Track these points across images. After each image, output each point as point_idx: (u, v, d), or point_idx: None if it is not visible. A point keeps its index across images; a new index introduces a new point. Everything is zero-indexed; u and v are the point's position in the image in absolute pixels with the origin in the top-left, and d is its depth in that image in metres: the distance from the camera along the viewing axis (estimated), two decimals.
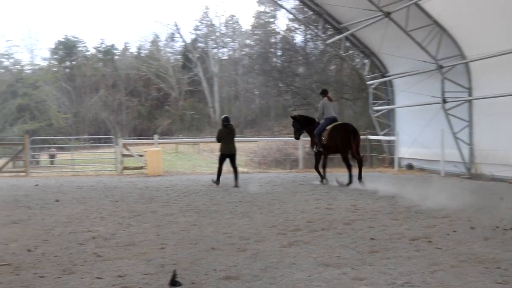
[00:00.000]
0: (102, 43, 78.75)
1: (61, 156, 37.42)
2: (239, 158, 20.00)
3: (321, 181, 18.24)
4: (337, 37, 25.69)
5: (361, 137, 26.67)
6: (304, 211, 11.70)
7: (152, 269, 6.83)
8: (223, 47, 76.96)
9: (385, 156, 26.80)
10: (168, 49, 79.10)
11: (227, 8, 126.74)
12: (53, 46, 74.42)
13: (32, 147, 28.00)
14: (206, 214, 11.39)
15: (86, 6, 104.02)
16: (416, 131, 22.90)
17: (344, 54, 28.41)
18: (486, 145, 19.39)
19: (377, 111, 26.80)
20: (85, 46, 78.41)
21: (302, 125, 19.17)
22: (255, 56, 66.07)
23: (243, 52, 74.12)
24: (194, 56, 71.34)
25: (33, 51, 61.81)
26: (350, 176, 17.30)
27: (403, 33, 19.97)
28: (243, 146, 43.68)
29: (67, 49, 75.33)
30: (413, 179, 19.38)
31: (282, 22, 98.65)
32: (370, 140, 27.18)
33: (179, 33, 76.37)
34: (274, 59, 63.96)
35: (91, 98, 70.67)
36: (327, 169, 19.10)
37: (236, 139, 18.31)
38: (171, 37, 77.56)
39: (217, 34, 74.92)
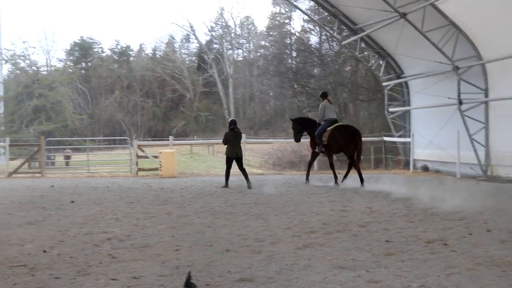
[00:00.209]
0: (117, 44, 79.28)
1: (76, 157, 37.59)
2: (254, 160, 20.06)
3: (306, 180, 19.03)
4: (353, 38, 25.63)
5: (377, 138, 26.85)
6: (319, 213, 11.66)
7: (167, 271, 6.82)
8: (238, 48, 77.18)
9: (400, 157, 26.71)
10: (183, 51, 79.44)
11: (242, 9, 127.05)
12: (69, 48, 74.99)
13: (48, 148, 28.12)
14: (221, 216, 11.37)
15: (101, 7, 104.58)
16: (431, 133, 22.78)
17: (359, 55, 28.36)
18: (503, 147, 19.27)
19: (393, 112, 26.70)
20: (100, 48, 78.96)
21: (302, 127, 19.42)
22: (270, 57, 66.11)
23: (258, 53, 74.25)
24: (209, 57, 71.48)
25: (49, 52, 62.28)
26: (360, 176, 17.69)
27: (419, 34, 19.88)
28: (258, 147, 43.69)
29: (82, 50, 75.77)
30: (428, 181, 19.26)
31: (297, 23, 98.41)
32: (385, 141, 27.10)
33: (194, 34, 76.45)
34: (289, 60, 63.99)
35: (106, 99, 71.01)
36: (337, 170, 19.27)
37: (243, 141, 18.36)
38: (186, 39, 77.90)
39: (232, 35, 75.07)
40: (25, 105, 46.44)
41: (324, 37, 52.93)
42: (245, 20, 77.10)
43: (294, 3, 30.30)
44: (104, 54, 78.76)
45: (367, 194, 15.21)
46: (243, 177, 18.39)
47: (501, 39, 18.42)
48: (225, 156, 18.54)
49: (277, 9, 70.57)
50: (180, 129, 66.67)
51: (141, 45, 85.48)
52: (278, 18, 71.07)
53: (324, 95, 19.10)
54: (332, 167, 18.96)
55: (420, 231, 9.33)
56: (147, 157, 24.92)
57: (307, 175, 19.24)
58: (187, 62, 76.41)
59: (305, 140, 21.07)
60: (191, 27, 76.29)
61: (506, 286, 6.08)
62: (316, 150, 18.84)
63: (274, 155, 39.58)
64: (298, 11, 52.12)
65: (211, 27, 77.04)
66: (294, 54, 65.19)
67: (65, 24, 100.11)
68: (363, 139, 19.04)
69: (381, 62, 27.09)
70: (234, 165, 18.26)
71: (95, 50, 78.00)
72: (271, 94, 73.20)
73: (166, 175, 22.57)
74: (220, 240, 8.74)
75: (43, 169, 24.39)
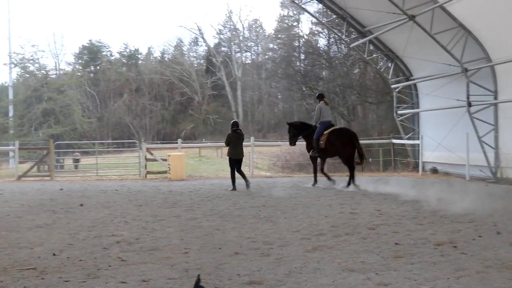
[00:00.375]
0: (126, 47, 79.44)
1: (85, 161, 37.69)
2: (262, 162, 20.11)
3: (314, 183, 18.87)
4: (361, 40, 25.59)
5: (386, 141, 26.81)
6: (328, 215, 11.65)
7: (176, 274, 6.83)
8: (247, 51, 77.21)
9: (409, 160, 26.65)
10: (191, 53, 79.54)
11: (251, 12, 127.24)
12: (77, 51, 75.17)
13: (57, 151, 28.20)
14: (230, 219, 11.38)
15: (110, 11, 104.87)
16: (440, 135, 22.71)
17: (368, 58, 28.34)
18: None
19: (401, 114, 26.63)
20: (109, 51, 79.17)
21: (298, 131, 19.56)
22: (278, 60, 66.16)
23: (266, 56, 74.28)
24: (218, 60, 71.55)
25: (58, 56, 62.44)
26: (352, 177, 18.06)
27: (427, 36, 19.84)
28: (266, 150, 43.69)
29: (91, 54, 75.99)
30: (437, 183, 19.21)
31: (305, 25, 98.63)
32: (394, 144, 27.05)
33: (202, 37, 76.55)
34: (298, 63, 64.00)
35: (115, 103, 71.17)
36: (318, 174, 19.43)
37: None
38: (195, 41, 77.99)
39: (241, 38, 75.07)
40: (34, 109, 46.65)
41: (332, 39, 53.01)
42: (253, 23, 77.21)
43: (303, 6, 30.22)
44: (112, 58, 78.99)
45: (376, 196, 15.18)
46: (242, 179, 18.44)
47: (510, 41, 18.37)
48: (228, 158, 18.62)
49: (285, 12, 70.66)
50: (189, 132, 66.75)
51: (149, 48, 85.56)
52: (286, 21, 71.10)
53: (321, 97, 19.33)
54: (315, 170, 19.24)
55: (429, 233, 9.32)
56: (155, 160, 24.94)
57: (315, 178, 19.21)
58: (196, 65, 76.51)
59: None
60: (200, 30, 76.61)
61: None
62: (310, 154, 19.05)
63: (283, 158, 39.57)
64: (306, 13, 51.95)
65: (220, 30, 77.16)
66: (303, 56, 65.25)
67: (74, 27, 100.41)
68: (371, 141, 19.07)
69: (389, 64, 27.05)
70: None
71: (104, 53, 78.21)
72: (279, 96, 73.24)
73: (174, 178, 22.59)
74: (229, 243, 8.74)
75: (52, 172, 24.44)
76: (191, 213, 12.33)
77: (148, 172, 24.49)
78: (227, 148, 18.60)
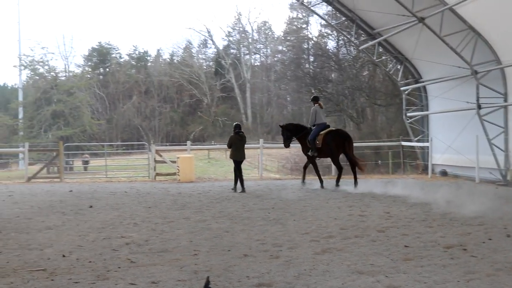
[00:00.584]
0: (135, 49, 79.70)
1: (95, 162, 37.79)
2: (271, 165, 20.16)
3: (321, 186, 19.04)
4: (370, 42, 25.54)
5: (395, 143, 26.77)
6: (337, 218, 11.64)
7: (185, 276, 6.84)
8: (256, 53, 77.26)
9: (418, 162, 26.56)
10: (200, 56, 79.72)
11: (260, 14, 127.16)
12: (87, 53, 75.37)
13: (66, 153, 28.27)
14: (239, 221, 11.39)
15: (119, 13, 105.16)
16: (450, 137, 22.64)
17: (377, 60, 28.28)
18: None
19: (411, 117, 26.57)
20: (118, 53, 79.43)
21: (291, 133, 19.96)
22: (287, 62, 66.12)
23: (275, 58, 74.29)
24: (227, 62, 71.65)
25: (67, 58, 62.78)
26: (338, 178, 18.99)
27: (437, 39, 19.79)
28: (275, 152, 43.65)
29: (100, 56, 76.19)
30: (447, 185, 19.16)
31: (314, 28, 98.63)
32: (403, 146, 26.99)
33: (211, 39, 76.71)
34: (307, 65, 63.91)
35: (124, 105, 71.35)
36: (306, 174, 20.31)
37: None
38: (204, 44, 78.16)
39: (250, 40, 75.18)
40: (43, 111, 46.79)
41: (341, 42, 52.92)
42: (262, 25, 77.33)
43: (312, 8, 30.22)
44: (122, 60, 79.25)
45: (385, 198, 15.15)
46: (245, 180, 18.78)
47: None
48: (232, 160, 18.79)
49: (294, 14, 70.64)
50: (198, 134, 66.83)
51: (158, 50, 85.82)
52: (296, 23, 71.07)
53: (315, 100, 19.86)
54: (305, 170, 20.13)
55: (439, 236, 9.30)
56: (165, 162, 24.96)
57: (304, 178, 19.97)
58: (205, 67, 76.63)
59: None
60: (209, 32, 76.66)
61: None
62: (309, 153, 19.29)
63: (292, 160, 39.53)
64: (315, 16, 51.94)
65: (229, 32, 77.34)
66: (312, 59, 65.14)
67: (84, 29, 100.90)
68: (380, 144, 19.23)
69: (399, 66, 26.98)
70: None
71: (113, 55, 78.45)
72: (288, 99, 73.23)
73: (184, 180, 22.61)
74: (238, 245, 8.75)
75: (61, 174, 24.51)
76: (200, 215, 12.35)
77: (157, 174, 24.51)
78: (229, 150, 18.83)
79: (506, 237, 9.11)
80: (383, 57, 29.22)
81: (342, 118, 52.04)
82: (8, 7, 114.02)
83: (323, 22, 51.49)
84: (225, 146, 20.30)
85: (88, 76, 63.69)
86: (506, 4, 17.88)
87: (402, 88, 27.10)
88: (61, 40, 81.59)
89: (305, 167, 20.14)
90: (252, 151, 22.72)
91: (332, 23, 32.08)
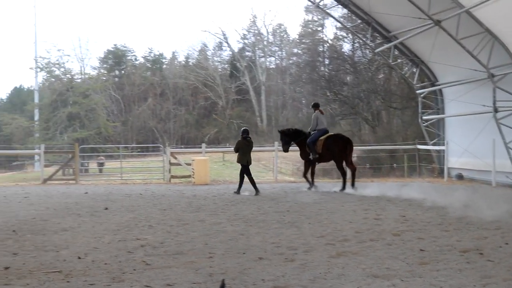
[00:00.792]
0: (150, 52, 79.78)
1: (110, 164, 37.92)
2: (286, 167, 20.18)
3: (309, 188, 19.56)
4: (386, 45, 25.47)
5: (410, 146, 26.69)
6: (352, 221, 11.61)
7: (200, 278, 6.84)
8: (271, 56, 77.14)
9: (434, 166, 26.45)
10: (215, 58, 79.67)
11: (275, 17, 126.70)
12: (102, 55, 75.58)
13: (82, 155, 28.37)
14: (254, 224, 11.38)
15: (135, 16, 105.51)
16: (466, 141, 22.53)
17: (393, 63, 28.20)
18: None
19: (427, 120, 26.47)
20: (134, 55, 79.57)
21: (290, 138, 20.18)
22: (302, 65, 65.98)
23: (290, 61, 74.13)
24: (242, 65, 71.63)
25: (83, 60, 62.72)
26: (344, 182, 18.86)
27: (453, 41, 19.70)
28: (290, 155, 43.55)
29: (116, 58, 76.41)
30: (463, 189, 19.04)
31: (330, 30, 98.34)
32: (419, 149, 26.88)
33: (226, 42, 76.62)
34: (322, 68, 63.78)
35: (140, 107, 71.51)
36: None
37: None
38: (219, 46, 78.07)
39: (265, 43, 75.10)
40: (59, 113, 46.93)
41: (357, 44, 52.75)
42: (277, 27, 77.08)
43: (327, 10, 30.16)
44: (137, 62, 79.37)
45: (401, 202, 15.10)
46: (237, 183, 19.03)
47: None
48: (240, 165, 19.00)
49: (309, 17, 70.46)
50: (213, 137, 66.83)
51: (174, 52, 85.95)
52: (311, 26, 70.89)
53: (316, 106, 20.13)
54: (312, 175, 20.05)
55: (455, 240, 9.24)
56: (179, 165, 25.02)
57: (312, 182, 19.91)
58: (220, 70, 76.61)
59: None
60: (224, 34, 76.56)
61: None
62: (310, 157, 19.45)
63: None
64: (330, 18, 51.93)
65: (244, 34, 77.16)
66: (327, 61, 64.97)
67: (99, 32, 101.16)
68: (396, 147, 19.26)
69: (414, 69, 26.89)
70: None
71: (129, 58, 78.61)
72: (303, 101, 73.00)
73: (198, 182, 22.64)
74: (253, 248, 8.74)
75: (77, 176, 24.62)
76: (215, 218, 12.35)
77: (172, 177, 24.57)
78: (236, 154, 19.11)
79: None
80: (399, 60, 29.09)
81: (357, 121, 51.89)
82: (24, 9, 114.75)
83: (339, 24, 51.54)
84: None
85: (104, 78, 63.79)
86: None
87: (418, 91, 27.00)
88: (77, 42, 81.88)
89: (305, 175, 20.15)
90: (267, 154, 22.70)
91: (348, 26, 32.14)
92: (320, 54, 66.70)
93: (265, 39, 75.55)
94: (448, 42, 20.15)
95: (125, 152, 43.13)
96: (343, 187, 18.69)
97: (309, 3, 33.68)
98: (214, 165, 27.26)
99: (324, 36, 68.92)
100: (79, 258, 8.10)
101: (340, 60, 56.42)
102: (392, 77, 47.38)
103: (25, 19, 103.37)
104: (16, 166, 44.21)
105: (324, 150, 18.96)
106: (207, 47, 79.03)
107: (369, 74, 49.46)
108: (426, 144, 26.61)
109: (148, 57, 79.60)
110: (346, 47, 58.48)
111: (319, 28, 69.95)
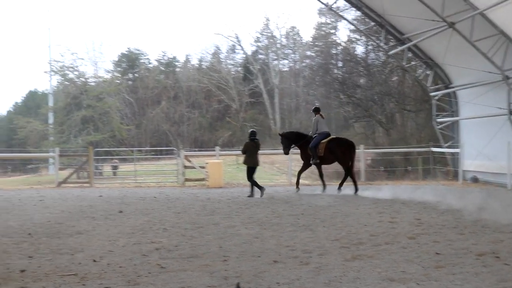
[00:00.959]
0: (164, 55, 79.89)
1: (124, 167, 38.04)
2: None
3: (297, 189, 20.04)
4: (400, 48, 25.42)
5: (425, 149, 26.62)
6: (367, 224, 11.57)
7: (215, 281, 6.84)
8: (284, 59, 77.01)
9: (448, 169, 26.34)
10: (229, 61, 79.63)
11: (288, 19, 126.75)
12: (116, 59, 75.79)
13: (96, 158, 28.48)
14: (268, 227, 11.37)
15: (148, 19, 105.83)
16: (481, 143, 22.41)
17: (406, 65, 28.13)
18: None
19: (441, 122, 26.38)
20: (147, 59, 79.67)
21: (291, 141, 20.35)
22: (315, 68, 65.91)
23: (303, 64, 74.07)
24: (255, 67, 71.61)
25: (97, 63, 62.87)
26: (355, 184, 19.20)
27: (467, 43, 19.64)
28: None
29: (130, 61, 76.60)
30: (478, 192, 18.96)
31: (343, 33, 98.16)
32: (433, 152, 26.78)
33: (240, 45, 76.58)
34: (335, 71, 63.64)
35: (153, 110, 71.61)
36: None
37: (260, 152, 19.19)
38: (232, 49, 78.02)
39: (278, 45, 75.03)
40: (73, 116, 47.13)
41: (370, 47, 52.59)
42: (290, 30, 76.91)
43: (340, 13, 30.15)
44: (150, 65, 79.47)
45: (416, 205, 15.03)
46: (255, 185, 18.94)
47: None
48: (246, 166, 19.08)
49: (322, 20, 70.24)
50: (226, 140, 66.78)
51: (187, 56, 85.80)
52: (324, 28, 70.74)
53: (317, 110, 20.36)
54: (321, 176, 20.12)
55: (471, 243, 9.19)
56: (193, 168, 25.07)
57: (323, 183, 19.97)
58: (233, 73, 76.57)
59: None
60: (237, 37, 76.58)
61: None
62: (311, 162, 19.71)
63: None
64: (344, 21, 51.86)
65: (257, 37, 77.01)
66: (340, 64, 64.82)
67: (113, 35, 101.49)
68: (410, 150, 19.25)
69: (428, 72, 26.82)
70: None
71: (142, 61, 78.74)
72: (317, 104, 72.91)
73: (212, 185, 22.68)
74: (268, 251, 8.74)
75: (91, 179, 24.72)
76: (229, 221, 12.36)
77: (186, 180, 24.62)
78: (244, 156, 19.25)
79: None
80: (413, 62, 29.04)
81: (371, 123, 51.76)
82: (39, 14, 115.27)
83: (352, 27, 51.36)
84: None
85: (117, 81, 63.86)
86: None
87: (432, 94, 26.94)
88: (90, 45, 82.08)
89: (320, 175, 20.20)
90: (281, 157, 22.65)
91: (361, 28, 32.05)
92: (333, 56, 66.57)
93: (278, 41, 75.48)
94: (462, 44, 20.09)
95: (139, 155, 43.18)
96: (356, 189, 18.84)
97: (322, 6, 33.62)
98: (228, 168, 27.25)
99: (337, 38, 68.78)
100: (94, 261, 8.13)
101: (353, 62, 56.34)
102: (406, 79, 47.24)
103: (39, 23, 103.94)
104: (30, 169, 44.46)
105: (326, 153, 19.18)
106: (220, 50, 79.06)
107: (383, 77, 49.37)
108: (440, 146, 26.52)
109: (162, 60, 79.74)
110: (360, 49, 58.36)
111: (332, 31, 69.81)
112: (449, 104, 26.50)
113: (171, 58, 79.94)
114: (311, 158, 19.54)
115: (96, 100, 48.86)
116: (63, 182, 24.40)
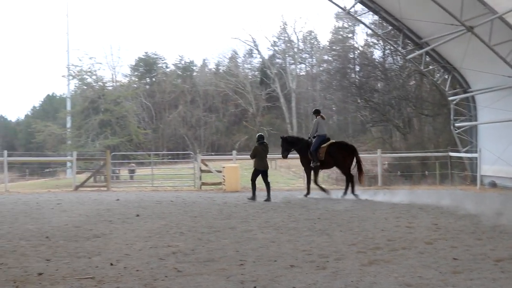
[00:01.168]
0: (181, 59, 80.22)
1: (141, 171, 38.13)
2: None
3: (306, 195, 19.92)
4: (418, 52, 25.29)
5: (442, 154, 26.50)
6: (384, 229, 11.52)
7: (231, 286, 6.84)
8: (301, 63, 77.03)
9: (466, 173, 26.17)
10: (246, 65, 79.78)
11: (305, 24, 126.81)
12: (134, 63, 76.11)
13: (113, 162, 28.59)
14: (285, 231, 11.35)
15: (166, 23, 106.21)
16: (500, 148, 22.25)
17: (424, 69, 28.00)
18: None
19: (459, 127, 26.23)
20: (164, 63, 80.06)
21: (290, 145, 20.61)
22: (333, 72, 65.80)
23: (321, 68, 74.00)
24: (272, 72, 71.65)
25: (114, 68, 63.20)
26: (352, 187, 19.34)
27: (486, 48, 19.52)
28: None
29: (147, 65, 76.93)
30: (496, 197, 18.83)
31: (360, 37, 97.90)
32: (451, 157, 26.61)
33: (257, 49, 76.67)
34: (352, 75, 63.54)
35: (170, 114, 71.86)
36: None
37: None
38: (249, 53, 78.16)
39: (295, 50, 75.00)
40: (91, 120, 47.30)
41: (388, 51, 52.51)
42: (308, 34, 76.91)
43: (358, 17, 30.11)
44: (168, 70, 79.81)
45: (433, 210, 14.94)
46: (264, 188, 19.30)
47: None
48: (254, 169, 19.36)
49: (340, 24, 70.24)
50: (243, 144, 66.81)
51: (204, 60, 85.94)
52: (341, 33, 70.70)
53: (317, 112, 20.64)
54: (316, 182, 20.20)
55: (489, 249, 9.12)
56: (210, 172, 25.08)
57: (324, 189, 20.22)
58: (250, 77, 76.66)
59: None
60: (254, 42, 76.60)
61: None
62: (311, 165, 19.73)
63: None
64: (361, 25, 51.90)
65: (274, 42, 77.10)
66: (358, 68, 64.71)
67: (131, 40, 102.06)
68: (427, 154, 19.12)
69: (446, 76, 26.68)
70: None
71: (159, 65, 79.08)
72: (334, 108, 72.77)
73: (229, 189, 22.70)
74: (284, 256, 8.72)
75: (108, 182, 24.83)
76: (246, 225, 12.35)
77: (203, 184, 24.65)
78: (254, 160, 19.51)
79: None
80: (431, 67, 28.88)
81: (388, 128, 51.63)
82: (57, 18, 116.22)
83: (370, 31, 51.31)
84: (272, 156, 20.52)
85: (135, 85, 64.16)
86: None
87: (450, 98, 26.80)
88: (108, 50, 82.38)
89: (316, 182, 20.25)
90: (297, 161, 22.61)
91: (379, 33, 32.00)
92: (351, 61, 66.48)
93: (296, 46, 75.46)
94: (481, 48, 19.97)
95: (156, 159, 43.28)
96: (353, 192, 19.14)
97: (340, 10, 33.56)
98: (244, 172, 27.21)
99: (354, 42, 68.74)
100: (111, 264, 8.15)
101: (371, 66, 56.23)
102: (424, 83, 47.06)
103: (58, 28, 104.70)
104: (48, 173, 44.63)
105: (327, 157, 19.33)
106: (237, 54, 79.18)
107: (400, 81, 49.21)
108: (458, 151, 26.36)
109: (179, 65, 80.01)
110: (377, 53, 58.30)
111: (350, 35, 69.79)
112: (467, 109, 26.34)
113: (188, 63, 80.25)
114: (311, 162, 19.61)
115: (113, 104, 49.02)
116: (81, 186, 24.52)
